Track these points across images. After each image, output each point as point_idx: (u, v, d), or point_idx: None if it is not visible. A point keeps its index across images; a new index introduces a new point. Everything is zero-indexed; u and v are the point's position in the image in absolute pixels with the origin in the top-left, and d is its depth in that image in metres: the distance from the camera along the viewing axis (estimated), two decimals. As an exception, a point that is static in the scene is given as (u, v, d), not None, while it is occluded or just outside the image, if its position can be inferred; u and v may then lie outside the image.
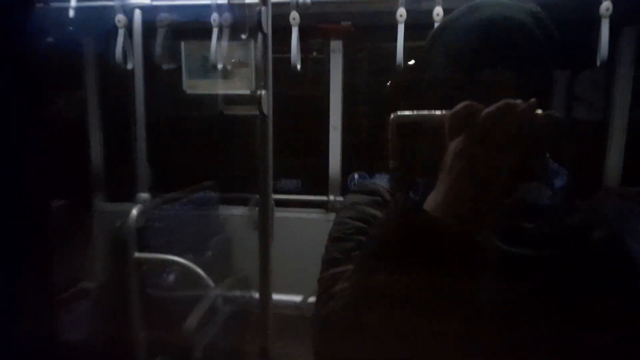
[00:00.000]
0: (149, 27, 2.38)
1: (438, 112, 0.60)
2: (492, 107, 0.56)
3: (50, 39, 2.50)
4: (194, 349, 1.81)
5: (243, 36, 2.04)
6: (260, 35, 1.45)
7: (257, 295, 1.72)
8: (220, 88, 2.70)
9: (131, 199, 2.31)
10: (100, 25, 2.72)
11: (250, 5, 1.97)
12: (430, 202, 0.60)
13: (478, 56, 0.69)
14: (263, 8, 1.39)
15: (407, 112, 0.60)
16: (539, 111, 0.56)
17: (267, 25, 1.42)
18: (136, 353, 1.98)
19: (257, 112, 1.44)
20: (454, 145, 0.57)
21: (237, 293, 2.34)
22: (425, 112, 0.61)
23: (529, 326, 0.61)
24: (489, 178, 0.55)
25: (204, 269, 2.13)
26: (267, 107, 1.43)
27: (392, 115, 0.60)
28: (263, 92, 1.40)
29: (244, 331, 2.12)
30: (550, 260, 0.63)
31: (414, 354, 0.63)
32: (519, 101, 0.56)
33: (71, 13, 2.45)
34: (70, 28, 2.77)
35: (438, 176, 0.59)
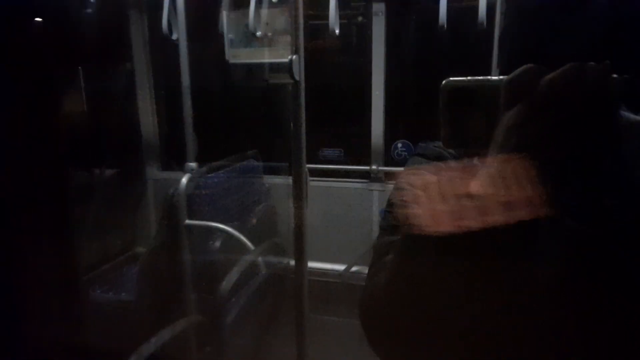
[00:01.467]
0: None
1: (495, 78, 0.52)
2: (557, 72, 0.46)
3: (97, 11, 2.60)
4: (229, 309, 1.87)
5: (274, 0, 2.00)
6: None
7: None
8: (263, 57, 2.70)
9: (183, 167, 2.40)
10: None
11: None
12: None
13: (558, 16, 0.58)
14: (294, -31, 1.35)
15: (460, 78, 0.54)
16: (615, 75, 0.46)
17: (300, -12, 1.38)
18: (179, 312, 2.08)
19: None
20: (506, 118, 0.49)
21: (276, 258, 2.39)
22: (481, 77, 0.54)
23: (609, 328, 0.52)
24: (543, 158, 0.45)
25: (249, 236, 2.19)
26: (300, 73, 1.41)
27: (443, 82, 0.54)
28: (294, 57, 1.38)
29: (282, 296, 2.18)
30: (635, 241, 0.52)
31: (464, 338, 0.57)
32: (590, 64, 0.45)
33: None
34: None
35: (488, 152, 0.51)
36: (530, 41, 0.59)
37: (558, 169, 0.47)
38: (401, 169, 0.81)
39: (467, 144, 0.56)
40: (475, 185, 0.49)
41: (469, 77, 0.54)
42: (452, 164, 0.71)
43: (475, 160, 0.54)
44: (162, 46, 2.92)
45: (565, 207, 0.52)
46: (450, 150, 0.74)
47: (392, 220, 0.72)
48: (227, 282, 1.85)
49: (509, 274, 0.53)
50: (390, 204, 0.76)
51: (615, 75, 0.46)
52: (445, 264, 0.54)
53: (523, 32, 0.61)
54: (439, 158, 0.75)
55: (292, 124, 1.47)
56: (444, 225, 0.48)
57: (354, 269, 2.57)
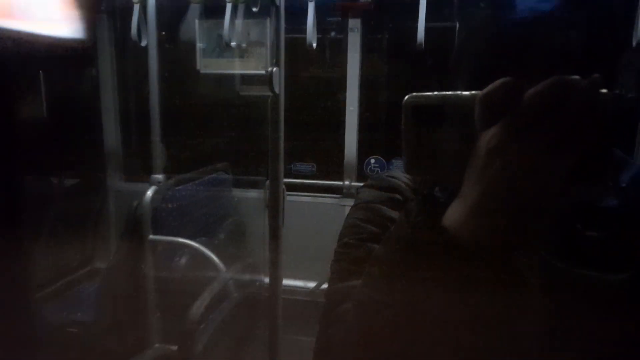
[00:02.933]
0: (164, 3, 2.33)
1: (466, 93, 0.45)
2: (542, 85, 0.40)
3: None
4: (200, 334, 1.78)
5: (254, 9, 1.96)
6: (273, 10, 1.37)
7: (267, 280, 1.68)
8: (235, 68, 2.65)
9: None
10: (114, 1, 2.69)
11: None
12: (453, 214, 0.45)
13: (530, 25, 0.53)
14: (276, -20, 1.31)
15: (425, 93, 0.46)
16: (604, 90, 0.41)
17: (281, -1, 1.34)
18: (141, 337, 1.97)
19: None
20: (486, 138, 0.42)
21: (248, 277, 2.31)
22: (450, 92, 0.46)
23: None
24: (534, 183, 0.40)
25: (217, 252, 2.11)
26: (279, 86, 1.36)
27: (406, 97, 0.46)
28: (274, 69, 1.34)
29: (254, 316, 2.10)
30: (623, 283, 0.49)
31: None
32: (576, 77, 0.40)
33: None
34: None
35: (464, 179, 0.44)
36: (493, 56, 0.55)
37: (546, 195, 0.42)
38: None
39: (434, 170, 0.48)
40: None
41: (435, 92, 0.46)
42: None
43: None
44: (130, 52, 2.83)
45: (546, 238, 0.49)
46: (406, 179, 0.69)
47: (347, 262, 0.66)
48: (199, 305, 1.76)
49: (484, 316, 0.48)
50: (343, 244, 0.69)
51: (604, 90, 0.41)
52: (415, 313, 0.48)
53: (483, 46, 0.57)
54: (394, 190, 0.69)
55: (270, 137, 1.42)
56: None
57: (324, 286, 2.51)
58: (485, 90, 0.43)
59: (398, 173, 0.72)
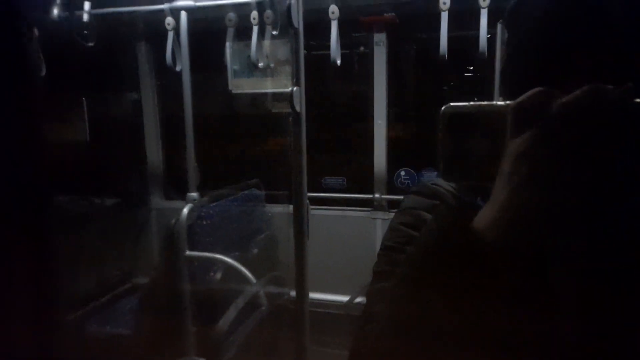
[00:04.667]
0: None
1: (501, 103, 0.47)
2: (573, 94, 0.41)
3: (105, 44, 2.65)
4: (228, 345, 1.82)
5: (274, 32, 2.02)
6: (292, 33, 1.42)
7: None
8: (265, 86, 2.72)
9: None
10: (153, 28, 2.83)
11: (281, 1, 1.96)
12: (482, 216, 0.46)
13: (571, 32, 0.53)
14: (293, 2, 1.36)
15: (461, 103, 0.49)
16: (638, 100, 0.41)
17: (298, 20, 1.39)
18: (177, 349, 2.03)
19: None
20: (515, 145, 0.43)
21: (279, 290, 2.35)
22: (485, 102, 0.49)
23: None
24: (560, 189, 0.41)
25: (250, 266, 2.15)
26: (300, 104, 1.40)
27: (443, 107, 0.49)
28: (295, 88, 1.38)
29: (283, 328, 2.12)
30: None
31: None
32: (609, 87, 0.41)
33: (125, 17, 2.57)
34: (126, 32, 2.91)
35: (494, 184, 0.46)
36: (537, 65, 0.55)
37: (571, 201, 0.43)
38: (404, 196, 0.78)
39: (469, 176, 0.50)
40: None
41: (471, 102, 0.49)
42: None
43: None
44: (169, 76, 2.97)
45: (572, 241, 0.49)
46: (450, 187, 0.70)
47: (386, 264, 0.68)
48: (227, 318, 1.80)
49: (509, 322, 0.48)
50: (384, 247, 0.72)
51: (638, 100, 0.41)
52: (442, 314, 0.49)
53: (529, 56, 0.57)
54: (436, 197, 0.71)
55: (292, 155, 1.46)
56: None
57: (358, 299, 2.51)
58: (518, 99, 0.45)
59: (442, 182, 0.74)
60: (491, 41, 2.09)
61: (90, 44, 2.41)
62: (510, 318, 0.46)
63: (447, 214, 0.52)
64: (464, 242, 0.47)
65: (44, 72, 2.27)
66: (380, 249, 0.72)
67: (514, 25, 0.62)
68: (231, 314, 1.83)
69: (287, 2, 1.35)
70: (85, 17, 2.31)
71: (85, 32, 2.37)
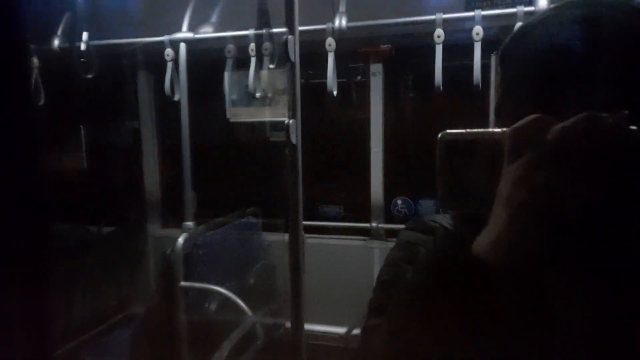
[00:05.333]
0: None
1: (497, 130, 0.48)
2: (569, 121, 0.42)
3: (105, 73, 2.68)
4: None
5: (271, 66, 2.06)
6: (289, 66, 1.44)
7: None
8: (264, 115, 2.74)
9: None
10: (152, 59, 2.87)
11: (279, 34, 1.99)
12: (481, 241, 0.47)
13: (568, 66, 0.53)
14: (290, 37, 1.38)
15: (458, 130, 0.49)
16: (633, 127, 0.42)
17: (295, 54, 1.41)
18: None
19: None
20: (512, 169, 0.44)
21: (275, 321, 2.31)
22: (482, 130, 0.49)
23: None
24: (557, 214, 0.42)
25: (246, 296, 2.13)
26: (296, 136, 1.41)
27: (440, 134, 0.49)
28: (291, 121, 1.39)
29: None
30: None
31: None
32: (604, 114, 0.42)
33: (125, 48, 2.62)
34: (126, 62, 2.95)
35: (492, 208, 0.46)
36: (532, 100, 0.55)
37: (569, 225, 0.43)
38: (401, 226, 0.77)
39: (469, 204, 0.50)
40: None
41: (468, 129, 0.49)
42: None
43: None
44: (167, 105, 3.00)
45: (570, 264, 0.48)
46: (447, 224, 0.69)
47: (382, 300, 0.67)
48: (221, 352, 1.77)
49: (510, 349, 0.48)
50: (380, 282, 0.71)
51: (633, 127, 0.42)
52: (439, 343, 0.49)
53: (523, 92, 0.57)
54: (432, 232, 0.70)
55: (289, 187, 1.46)
56: None
57: (355, 331, 2.47)
58: (515, 125, 0.46)
59: (440, 217, 0.73)
60: (485, 71, 2.12)
61: (90, 75, 2.44)
62: (512, 344, 0.46)
63: (445, 239, 0.52)
64: (463, 268, 0.47)
65: (42, 101, 2.30)
66: (376, 283, 0.71)
67: (508, 62, 0.63)
68: (226, 348, 1.80)
69: (285, 37, 1.37)
70: (83, 46, 2.34)
71: (84, 62, 2.40)
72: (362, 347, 0.64)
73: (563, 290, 0.49)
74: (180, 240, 2.24)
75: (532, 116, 0.45)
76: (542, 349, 0.48)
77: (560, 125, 0.43)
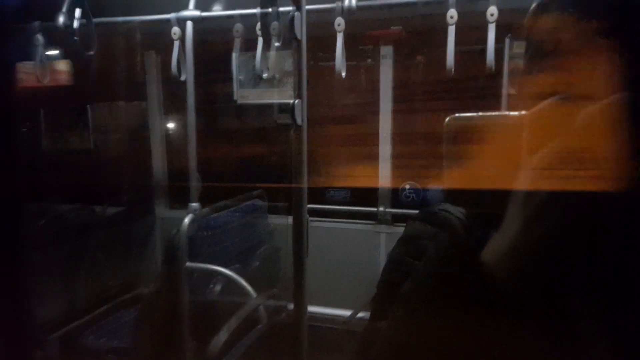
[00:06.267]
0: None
1: (512, 113, 0.41)
2: (599, 105, 0.35)
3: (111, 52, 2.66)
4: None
5: (277, 44, 2.01)
6: (295, 44, 1.40)
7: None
8: (271, 97, 2.71)
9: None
10: (160, 38, 2.84)
11: (287, 13, 1.94)
12: (492, 250, 0.41)
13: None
14: (296, 13, 1.34)
15: (467, 114, 0.44)
16: None
17: (301, 31, 1.37)
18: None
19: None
20: (535, 161, 0.37)
21: (279, 304, 2.31)
22: (493, 113, 0.43)
23: None
24: (587, 217, 0.34)
25: (251, 278, 2.12)
26: (302, 117, 1.38)
27: (447, 119, 0.43)
28: (296, 101, 1.35)
29: (283, 343, 2.08)
30: None
31: None
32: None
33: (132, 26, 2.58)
34: (133, 41, 2.92)
35: (506, 210, 0.40)
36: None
37: (594, 234, 0.36)
38: (409, 211, 0.73)
39: (478, 196, 0.45)
40: None
41: (478, 113, 0.44)
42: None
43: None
44: (174, 86, 2.97)
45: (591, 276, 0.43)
46: (459, 213, 0.64)
47: (386, 299, 0.64)
48: (225, 333, 1.77)
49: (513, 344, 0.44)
50: (384, 280, 0.67)
51: None
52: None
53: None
54: (443, 224, 0.65)
55: (293, 168, 1.43)
56: None
57: (359, 315, 2.46)
58: (533, 109, 0.38)
59: (452, 207, 0.67)
60: (499, 55, 2.06)
61: (91, 52, 2.41)
62: (520, 355, 0.42)
63: (449, 246, 0.47)
64: (472, 276, 0.42)
65: (47, 80, 2.28)
66: (380, 281, 0.67)
67: (534, 28, 0.57)
68: (229, 328, 1.80)
69: (291, 13, 1.33)
70: (76, 24, 2.30)
71: (77, 39, 2.36)
72: (362, 350, 0.61)
73: (580, 306, 0.45)
74: (186, 221, 2.23)
75: (551, 99, 0.38)
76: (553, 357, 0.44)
77: (589, 109, 0.35)
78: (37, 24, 2.31)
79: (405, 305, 0.51)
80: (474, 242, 0.44)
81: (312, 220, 2.19)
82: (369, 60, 2.70)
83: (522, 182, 0.39)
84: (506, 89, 2.24)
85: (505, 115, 0.40)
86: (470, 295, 0.42)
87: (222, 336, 1.76)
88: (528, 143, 0.39)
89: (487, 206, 0.44)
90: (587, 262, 0.40)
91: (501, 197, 0.40)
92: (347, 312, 2.51)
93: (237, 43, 2.43)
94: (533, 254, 0.38)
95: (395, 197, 2.59)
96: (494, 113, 0.42)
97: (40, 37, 2.31)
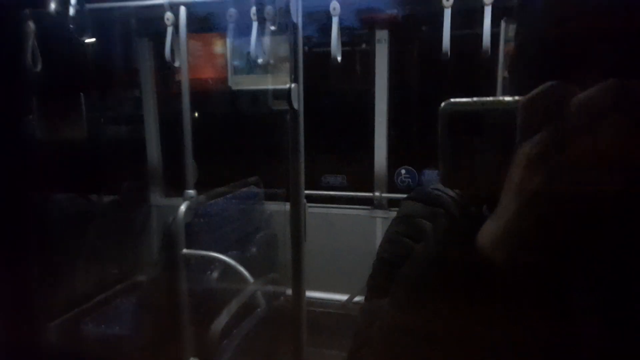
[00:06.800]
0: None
1: (508, 98, 0.41)
2: (594, 89, 0.35)
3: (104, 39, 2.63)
4: (225, 347, 1.80)
5: (272, 27, 1.99)
6: (291, 28, 1.39)
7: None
8: (266, 83, 2.69)
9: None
10: (152, 24, 2.81)
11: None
12: (487, 232, 0.41)
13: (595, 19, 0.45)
14: (292, -2, 1.33)
15: (463, 99, 0.42)
16: None
17: (298, 16, 1.36)
18: (175, 350, 2.02)
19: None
20: (526, 149, 0.37)
21: (276, 290, 2.33)
22: (490, 98, 0.42)
23: None
24: (580, 199, 0.35)
25: (248, 265, 2.13)
26: (298, 102, 1.38)
27: (442, 104, 0.41)
28: (293, 85, 1.35)
29: (281, 328, 2.10)
30: None
31: None
32: (634, 81, 0.34)
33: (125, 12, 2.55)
34: (126, 27, 2.89)
35: (501, 193, 0.39)
36: (551, 58, 0.48)
37: (592, 213, 0.36)
38: (404, 196, 0.73)
39: (472, 183, 0.43)
40: None
41: (475, 98, 0.42)
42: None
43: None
44: (168, 73, 2.95)
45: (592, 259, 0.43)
46: (452, 193, 0.64)
47: (382, 278, 0.63)
48: (223, 318, 1.78)
49: (518, 347, 0.44)
50: (380, 259, 0.66)
51: None
52: (441, 342, 0.45)
53: (541, 48, 0.50)
54: (437, 203, 0.65)
55: (290, 153, 1.43)
56: None
57: (356, 299, 2.49)
58: (529, 95, 0.38)
59: (444, 187, 0.67)
60: (494, 39, 2.06)
61: (86, 39, 2.38)
62: (520, 343, 0.42)
63: (447, 227, 0.47)
64: (466, 261, 0.42)
65: (39, 68, 2.25)
66: (376, 260, 0.67)
67: (526, 13, 0.56)
68: (228, 314, 1.81)
69: (286, -3, 1.32)
70: (72, 11, 2.27)
71: (74, 25, 2.33)
72: (360, 331, 0.61)
73: (576, 288, 0.45)
74: (182, 208, 2.23)
75: (549, 84, 0.37)
76: (552, 346, 0.45)
77: (584, 94, 0.36)
78: (27, 11, 2.27)
79: (406, 286, 0.51)
80: (468, 222, 0.43)
81: (309, 206, 2.20)
82: (364, 45, 2.69)
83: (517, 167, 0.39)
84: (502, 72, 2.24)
85: (502, 100, 0.39)
86: (469, 277, 0.42)
87: (222, 320, 1.77)
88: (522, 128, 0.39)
89: (481, 188, 0.43)
90: (584, 249, 0.40)
91: (496, 180, 0.40)
92: (343, 297, 2.54)
93: (231, 28, 2.41)
94: (527, 238, 0.38)
95: (392, 181, 2.60)
96: (490, 98, 0.41)
97: (31, 24, 2.28)
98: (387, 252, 0.65)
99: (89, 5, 2.37)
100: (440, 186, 0.67)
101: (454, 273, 0.42)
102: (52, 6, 2.21)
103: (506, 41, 2.17)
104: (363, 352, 0.57)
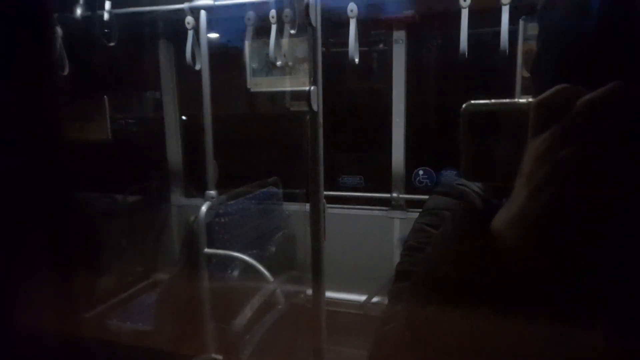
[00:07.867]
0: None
1: (523, 100, 0.46)
2: (599, 91, 0.38)
3: (127, 43, 2.69)
4: (245, 344, 1.83)
5: (292, 31, 2.02)
6: (310, 31, 1.42)
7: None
8: (284, 85, 2.72)
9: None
10: (173, 27, 2.86)
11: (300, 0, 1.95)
12: (500, 218, 0.44)
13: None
14: (311, 0, 1.36)
15: (483, 101, 0.47)
16: None
17: (316, 19, 1.38)
18: (196, 347, 2.06)
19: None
20: (536, 144, 0.41)
21: (296, 289, 2.35)
22: (508, 100, 0.47)
23: None
24: (582, 191, 0.39)
25: (267, 265, 2.17)
26: (317, 103, 1.40)
27: (464, 105, 0.47)
28: (312, 87, 1.38)
29: (301, 327, 2.13)
30: None
31: None
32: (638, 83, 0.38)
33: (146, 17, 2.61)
34: (148, 31, 2.95)
35: (514, 184, 0.43)
36: (570, 61, 0.51)
37: (595, 202, 0.39)
38: (422, 197, 0.76)
39: (492, 177, 0.48)
40: None
41: (493, 100, 0.47)
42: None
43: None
44: (189, 76, 3.00)
45: (595, 247, 0.46)
46: (476, 187, 0.68)
47: (409, 264, 0.67)
48: (243, 316, 1.82)
49: (528, 328, 0.46)
50: (407, 246, 0.70)
51: None
52: (458, 317, 0.48)
53: (561, 51, 0.53)
54: (462, 197, 0.69)
55: (309, 155, 1.46)
56: None
57: (375, 299, 2.50)
58: (541, 96, 0.42)
59: (468, 182, 0.71)
60: (512, 39, 2.06)
61: (112, 44, 2.45)
62: (530, 323, 0.45)
63: (465, 214, 0.51)
64: (478, 244, 0.46)
65: (67, 71, 2.32)
66: (404, 248, 0.71)
67: (547, 17, 0.58)
68: (248, 312, 1.85)
69: (306, 1, 1.35)
70: (106, 16, 2.34)
71: (107, 31, 2.41)
72: (387, 310, 0.64)
73: (584, 271, 0.47)
74: (204, 208, 2.27)
75: (560, 86, 0.41)
76: (562, 329, 0.47)
77: (589, 96, 0.39)
78: (54, 16, 2.35)
79: (425, 263, 0.55)
80: (487, 211, 0.47)
81: (328, 207, 2.23)
82: (381, 46, 2.70)
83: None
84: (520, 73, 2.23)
85: (519, 102, 0.41)
86: (482, 256, 0.46)
87: (243, 318, 1.81)
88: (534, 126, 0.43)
89: (498, 180, 0.48)
90: (586, 233, 0.43)
91: (512, 173, 0.45)
92: (362, 297, 2.56)
93: (250, 31, 2.44)
94: (536, 222, 0.42)
95: (410, 182, 2.60)
96: (508, 100, 0.44)
97: (59, 29, 2.35)
98: (414, 239, 0.68)
99: (113, 11, 2.44)
100: (464, 181, 0.71)
101: (468, 255, 0.46)
102: (78, 11, 2.28)
103: (524, 40, 2.17)
104: (388, 328, 0.60)
